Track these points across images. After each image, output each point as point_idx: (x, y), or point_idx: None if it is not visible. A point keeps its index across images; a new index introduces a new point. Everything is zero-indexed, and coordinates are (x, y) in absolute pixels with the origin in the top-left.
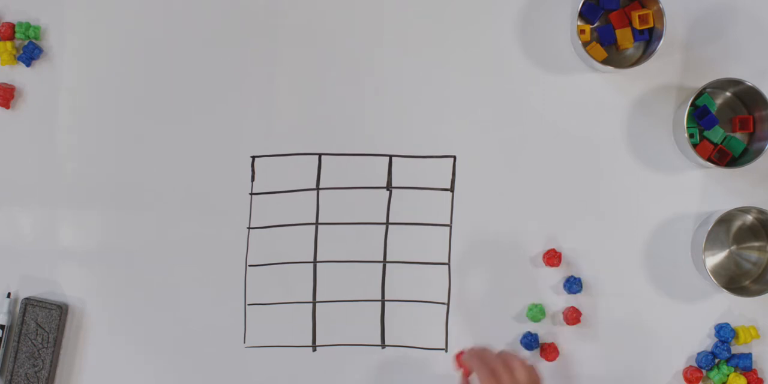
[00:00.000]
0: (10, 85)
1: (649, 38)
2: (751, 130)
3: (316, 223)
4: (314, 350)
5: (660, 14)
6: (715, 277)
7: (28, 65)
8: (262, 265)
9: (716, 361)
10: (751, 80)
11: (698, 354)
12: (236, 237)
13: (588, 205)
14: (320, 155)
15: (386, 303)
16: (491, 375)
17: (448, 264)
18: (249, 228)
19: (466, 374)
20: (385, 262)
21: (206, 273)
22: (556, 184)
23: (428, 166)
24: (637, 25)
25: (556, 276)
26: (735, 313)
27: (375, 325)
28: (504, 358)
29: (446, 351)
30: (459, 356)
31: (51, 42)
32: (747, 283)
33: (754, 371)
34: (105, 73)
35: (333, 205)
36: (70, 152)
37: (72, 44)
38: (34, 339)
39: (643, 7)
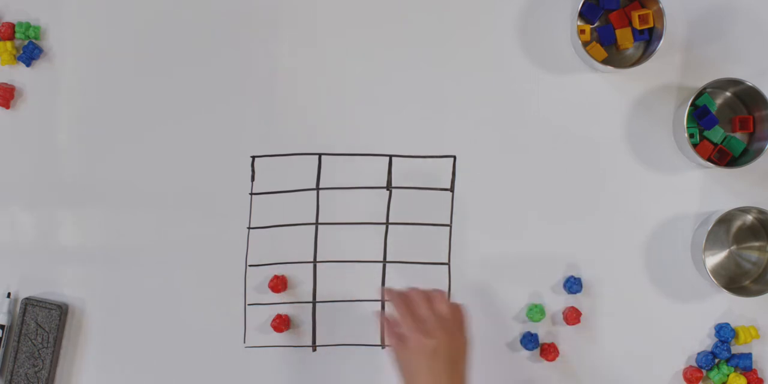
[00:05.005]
0: (10, 85)
1: (649, 38)
2: (751, 130)
3: (316, 223)
4: (314, 350)
5: (660, 14)
6: (715, 277)
7: (28, 65)
8: (262, 265)
9: (716, 361)
10: (751, 80)
11: (698, 354)
12: (236, 237)
13: (588, 205)
14: (320, 155)
15: (386, 303)
16: (406, 305)
17: (448, 264)
18: (249, 228)
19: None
20: (385, 262)
21: (206, 273)
22: (556, 184)
23: (428, 166)
24: (637, 25)
25: (556, 276)
26: (735, 313)
27: (375, 325)
28: (425, 292)
29: None
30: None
31: (51, 42)
32: (747, 283)
33: (754, 371)
34: (105, 73)
35: (333, 205)
36: (70, 152)
37: (72, 44)
38: (34, 339)
39: (643, 7)
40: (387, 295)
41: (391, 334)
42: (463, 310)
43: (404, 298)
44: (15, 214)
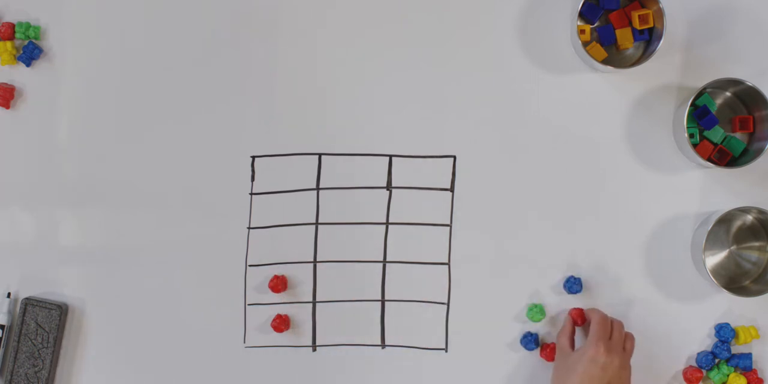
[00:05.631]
0: (10, 85)
1: (649, 38)
2: (751, 130)
3: (316, 223)
4: (314, 350)
5: (660, 14)
6: (715, 277)
7: (28, 65)
8: (262, 265)
9: (716, 361)
10: (751, 80)
11: (698, 354)
12: (236, 237)
13: (588, 205)
14: (320, 155)
15: (386, 303)
16: (607, 325)
17: (448, 264)
18: (249, 228)
19: (577, 320)
20: (385, 262)
21: (206, 273)
22: (556, 184)
23: (428, 166)
24: (637, 25)
25: (556, 276)
26: (735, 313)
27: (375, 325)
28: (625, 332)
29: (446, 351)
30: (574, 311)
31: (51, 42)
32: (747, 283)
33: (754, 371)
34: (105, 72)
35: (333, 205)
36: (70, 152)
37: (72, 44)
38: (34, 339)
39: (643, 7)
40: (593, 313)
41: (567, 339)
42: (633, 340)
43: (607, 320)
44: (15, 214)
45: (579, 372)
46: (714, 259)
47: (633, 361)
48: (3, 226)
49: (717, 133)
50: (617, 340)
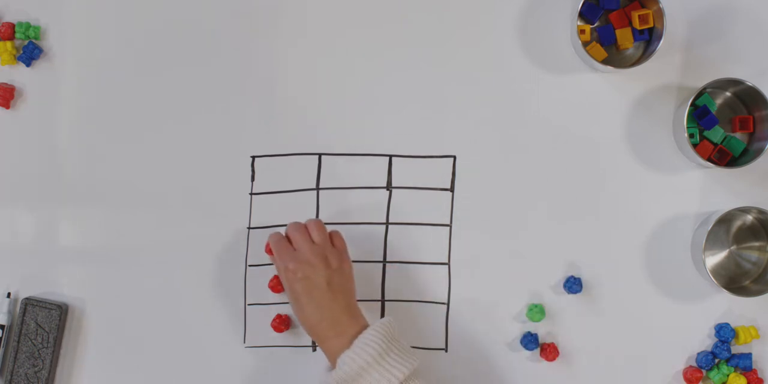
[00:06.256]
0: (10, 85)
1: (649, 38)
2: (751, 130)
3: None
4: (314, 350)
5: (660, 14)
6: (715, 277)
7: (28, 65)
8: (262, 265)
9: (716, 361)
10: (751, 80)
11: (698, 354)
12: (236, 237)
13: (588, 205)
14: (320, 155)
15: (386, 303)
16: (281, 240)
17: (448, 264)
18: (249, 228)
19: (270, 253)
20: (385, 262)
21: (206, 273)
22: (556, 184)
23: (428, 166)
24: (637, 25)
25: (556, 276)
26: (735, 313)
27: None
28: (299, 223)
29: (446, 351)
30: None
31: (51, 42)
32: (747, 283)
33: (754, 371)
34: (105, 72)
35: (333, 205)
36: (70, 152)
37: (72, 44)
38: (34, 339)
39: (643, 7)
40: (269, 239)
41: (277, 267)
42: (340, 235)
43: (281, 235)
44: (15, 214)
45: (301, 299)
46: (714, 259)
47: (632, 360)
48: (3, 226)
49: (717, 133)
50: (300, 245)
